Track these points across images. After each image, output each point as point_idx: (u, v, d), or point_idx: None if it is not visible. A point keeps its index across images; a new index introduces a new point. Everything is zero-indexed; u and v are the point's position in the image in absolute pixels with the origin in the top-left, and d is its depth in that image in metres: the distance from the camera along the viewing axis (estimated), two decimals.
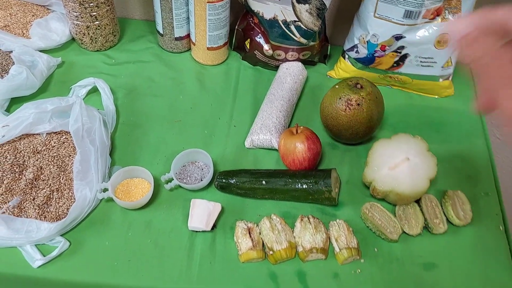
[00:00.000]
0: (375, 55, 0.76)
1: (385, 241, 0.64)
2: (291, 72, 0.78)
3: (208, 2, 0.73)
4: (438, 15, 0.71)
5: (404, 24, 0.71)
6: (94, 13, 0.78)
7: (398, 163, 0.65)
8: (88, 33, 0.80)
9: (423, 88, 0.80)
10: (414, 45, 0.73)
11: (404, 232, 0.65)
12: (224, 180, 0.66)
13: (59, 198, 0.63)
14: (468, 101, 0.82)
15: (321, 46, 0.82)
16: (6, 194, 0.62)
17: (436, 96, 0.82)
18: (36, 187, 0.63)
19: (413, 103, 0.81)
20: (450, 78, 0.79)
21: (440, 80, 0.78)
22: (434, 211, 0.66)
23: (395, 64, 0.76)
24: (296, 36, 0.76)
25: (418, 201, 0.67)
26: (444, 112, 0.81)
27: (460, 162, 0.74)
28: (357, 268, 0.62)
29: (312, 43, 0.78)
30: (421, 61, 0.75)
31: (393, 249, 0.64)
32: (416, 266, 0.62)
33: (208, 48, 0.80)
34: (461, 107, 0.82)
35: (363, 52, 0.76)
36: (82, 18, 0.78)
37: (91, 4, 0.76)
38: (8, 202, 0.61)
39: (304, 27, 0.75)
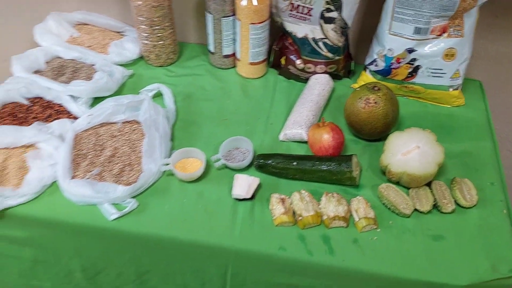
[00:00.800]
0: (391, 67, 0.90)
1: (399, 216, 0.75)
2: (319, 82, 0.93)
3: (251, 24, 0.90)
4: (444, 32, 0.85)
5: (414, 39, 0.85)
6: (160, 35, 0.96)
7: (410, 150, 0.77)
8: (154, 51, 0.99)
9: (436, 98, 0.93)
10: (424, 58, 0.87)
11: (416, 209, 0.76)
12: (262, 161, 0.80)
13: (130, 170, 0.78)
14: (478, 111, 0.94)
15: (345, 62, 0.97)
16: (89, 165, 0.78)
17: (448, 106, 0.94)
18: (112, 162, 0.79)
19: (427, 110, 0.94)
20: (459, 89, 0.92)
21: (450, 89, 0.91)
22: (443, 193, 0.77)
23: (409, 75, 0.90)
24: (323, 51, 0.92)
25: (429, 185, 0.78)
26: (455, 119, 0.93)
27: (468, 157, 0.85)
28: (374, 236, 0.73)
29: (337, 57, 0.93)
30: (431, 72, 0.89)
31: (406, 223, 0.75)
32: (426, 237, 0.73)
33: (250, 63, 0.97)
34: (471, 115, 0.93)
35: (381, 65, 0.91)
36: (150, 38, 0.96)
37: (158, 27, 0.95)
38: (91, 171, 0.77)
39: (330, 43, 0.90)
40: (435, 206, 0.76)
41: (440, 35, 0.85)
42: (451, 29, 0.85)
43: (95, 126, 0.84)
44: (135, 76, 0.99)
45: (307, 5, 0.87)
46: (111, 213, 0.73)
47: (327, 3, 0.85)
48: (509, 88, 1.04)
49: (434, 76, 0.89)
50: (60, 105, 0.88)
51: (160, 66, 1.02)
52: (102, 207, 0.74)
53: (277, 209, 0.74)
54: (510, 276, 0.69)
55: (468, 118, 0.93)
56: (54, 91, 0.89)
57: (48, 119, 0.86)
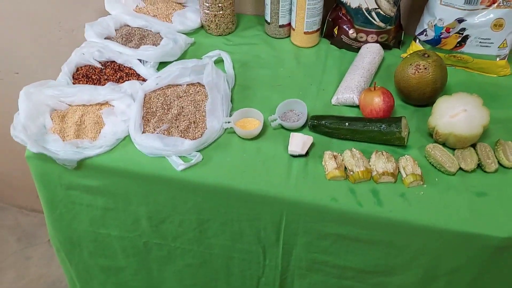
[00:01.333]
0: (441, 36, 0.94)
1: (444, 174, 0.80)
2: (371, 50, 0.98)
3: None
4: (494, 3, 0.88)
5: (465, 9, 0.89)
6: (221, 5, 1.03)
7: (457, 113, 0.81)
8: (214, 21, 1.06)
9: (483, 67, 0.97)
10: (474, 28, 0.91)
11: (460, 168, 0.81)
12: (315, 121, 0.86)
13: (195, 127, 0.86)
14: None
15: (396, 32, 1.01)
16: (158, 122, 0.87)
17: (495, 75, 0.98)
18: (179, 119, 0.87)
19: (474, 80, 0.98)
20: (506, 58, 0.95)
21: (497, 59, 0.94)
22: (487, 154, 0.81)
23: (458, 44, 0.94)
24: (376, 21, 0.96)
25: (473, 146, 0.83)
26: (501, 87, 0.96)
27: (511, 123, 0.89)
28: (420, 191, 0.78)
29: (389, 27, 0.98)
30: (480, 42, 0.92)
31: (451, 180, 0.80)
32: (470, 193, 0.78)
33: (304, 33, 1.02)
34: None
35: (431, 34, 0.95)
36: (211, 8, 1.03)
37: None
38: (160, 127, 0.86)
39: (383, 13, 0.95)
40: (479, 166, 0.81)
41: (490, 5, 0.89)
42: (501, 0, 0.88)
43: (162, 87, 0.92)
44: (196, 44, 1.07)
45: None
46: (179, 164, 0.81)
47: None
48: None
49: (482, 46, 0.93)
50: (130, 68, 0.97)
51: (219, 35, 1.09)
52: (170, 159, 0.82)
53: (329, 164, 0.80)
54: None
55: None
56: (125, 55, 0.97)
57: (119, 80, 0.95)
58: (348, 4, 0.97)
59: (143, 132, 0.85)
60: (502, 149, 0.82)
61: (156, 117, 0.87)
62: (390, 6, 0.94)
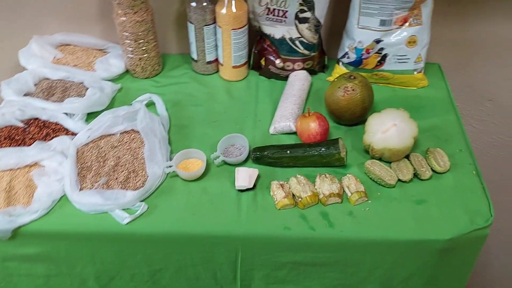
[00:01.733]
0: (362, 57, 0.99)
1: (385, 187, 0.84)
2: (299, 78, 1.01)
3: (232, 30, 0.97)
4: (405, 22, 0.95)
5: (381, 31, 0.95)
6: (145, 48, 1.02)
7: (388, 128, 0.85)
8: (140, 64, 1.04)
9: (403, 82, 1.03)
10: (390, 46, 0.97)
11: (399, 179, 0.84)
12: (258, 153, 0.86)
13: (135, 176, 0.83)
14: (440, 90, 1.05)
15: (320, 57, 1.05)
16: (95, 176, 0.83)
17: (414, 88, 1.04)
18: (117, 170, 0.84)
19: (396, 94, 1.03)
20: (422, 71, 1.02)
21: (415, 73, 1.01)
22: (420, 163, 0.86)
23: (378, 63, 0.99)
24: (300, 49, 1.00)
25: (407, 158, 0.87)
26: (422, 99, 1.02)
27: (437, 131, 0.94)
28: (366, 207, 0.81)
29: (313, 54, 1.02)
30: (397, 59, 0.98)
31: (392, 192, 0.83)
32: (410, 202, 0.82)
33: (233, 67, 1.04)
34: (434, 94, 1.04)
35: (353, 57, 1.00)
36: (135, 52, 1.02)
37: (142, 41, 1.01)
38: (98, 181, 0.82)
39: (306, 41, 0.99)
40: (415, 175, 0.85)
41: (402, 25, 0.95)
42: (411, 18, 0.94)
43: (95, 139, 0.89)
44: (124, 90, 1.04)
45: (282, 8, 0.95)
46: (124, 218, 0.78)
47: (301, 4, 0.94)
48: (465, 69, 1.15)
49: (400, 62, 0.99)
50: (56, 124, 0.92)
51: (146, 78, 1.07)
52: (113, 214, 0.79)
53: (278, 194, 0.81)
54: (485, 227, 0.79)
55: (432, 97, 1.03)
56: (49, 110, 0.93)
57: (46, 138, 0.90)
58: (272, 35, 1.00)
59: (81, 189, 0.81)
60: (433, 157, 0.87)
61: (92, 171, 0.84)
62: (312, 34, 0.98)
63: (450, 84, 1.07)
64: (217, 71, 1.09)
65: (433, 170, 0.86)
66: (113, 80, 1.05)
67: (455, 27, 1.07)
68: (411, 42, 0.96)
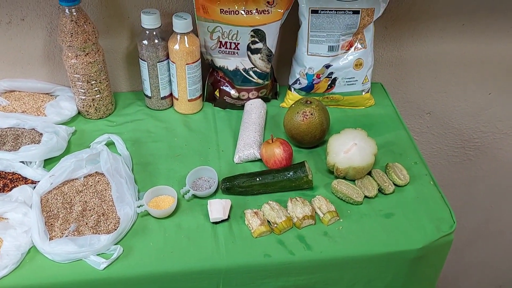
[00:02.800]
0: (313, 82, 1.04)
1: (353, 205, 0.87)
2: (255, 106, 1.04)
3: (186, 64, 0.98)
4: (351, 46, 1.01)
5: (330, 56, 1.00)
6: (97, 88, 1.00)
7: (349, 148, 0.90)
8: (93, 105, 1.02)
9: (352, 102, 1.09)
10: (339, 70, 1.02)
11: (365, 196, 0.89)
12: (228, 183, 0.87)
13: (106, 220, 0.81)
14: (386, 107, 1.11)
15: (272, 85, 1.09)
16: (64, 224, 0.79)
17: (363, 107, 1.10)
18: (86, 215, 0.81)
19: (347, 114, 1.09)
20: (369, 91, 1.08)
21: (363, 93, 1.07)
22: (382, 178, 0.91)
23: (329, 87, 1.04)
24: (254, 79, 1.03)
25: (370, 174, 0.92)
26: (371, 117, 1.08)
27: (391, 146, 1.00)
28: (339, 226, 0.84)
29: (266, 82, 1.05)
30: (346, 81, 1.04)
31: (361, 209, 0.87)
32: (379, 216, 0.86)
33: (188, 100, 1.04)
34: (382, 111, 1.10)
35: (304, 82, 1.04)
36: (88, 93, 1.00)
37: (95, 81, 0.99)
38: (68, 228, 0.79)
39: (259, 71, 1.02)
40: (379, 190, 0.90)
41: (348, 49, 1.01)
42: (356, 43, 1.01)
43: (58, 185, 0.85)
44: (78, 132, 1.01)
45: (234, 41, 0.98)
46: (100, 263, 0.75)
47: (252, 36, 0.97)
48: (403, 86, 1.24)
49: (349, 84, 1.05)
50: (13, 173, 0.88)
51: (100, 119, 1.05)
52: (88, 260, 0.76)
53: (253, 222, 0.82)
54: (450, 233, 0.84)
55: (381, 115, 1.10)
56: (4, 160, 0.88)
57: (4, 189, 0.85)
58: (225, 67, 1.02)
59: (50, 238, 0.77)
60: (393, 171, 0.92)
61: (60, 218, 0.80)
62: (265, 64, 1.01)
63: (393, 100, 1.15)
64: (172, 106, 1.09)
65: (395, 184, 0.91)
66: (66, 123, 1.02)
67: (391, 48, 1.15)
68: (358, 64, 1.03)
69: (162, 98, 1.06)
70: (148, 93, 1.05)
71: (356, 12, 0.97)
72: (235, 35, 0.98)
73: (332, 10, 0.96)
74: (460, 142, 1.38)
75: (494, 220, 1.62)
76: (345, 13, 0.96)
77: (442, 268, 0.91)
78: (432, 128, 1.33)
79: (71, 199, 0.83)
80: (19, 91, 1.07)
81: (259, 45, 0.99)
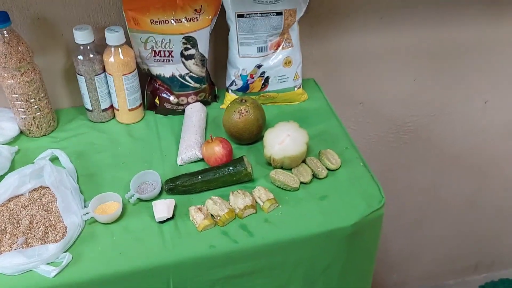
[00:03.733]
0: (248, 83, 1.09)
1: (290, 191, 0.93)
2: (195, 110, 1.08)
3: (123, 75, 1.02)
4: (279, 46, 1.08)
5: (260, 56, 1.06)
6: (37, 106, 1.02)
7: (283, 139, 0.96)
8: (35, 123, 1.04)
9: (287, 99, 1.15)
10: (270, 69, 1.09)
11: (301, 182, 0.95)
12: (171, 184, 0.91)
13: (54, 230, 0.84)
14: (319, 100, 1.19)
15: (210, 89, 1.14)
16: (12, 238, 0.82)
17: (297, 102, 1.17)
18: (33, 228, 0.84)
19: (283, 110, 1.15)
20: (301, 87, 1.15)
21: (295, 89, 1.14)
22: (316, 164, 0.97)
23: (263, 85, 1.11)
24: (191, 83, 1.08)
25: (304, 162, 0.98)
26: (305, 111, 1.15)
27: (323, 135, 1.07)
28: (279, 212, 0.89)
29: (203, 86, 1.10)
30: (278, 79, 1.11)
31: (297, 194, 0.93)
32: (315, 199, 0.92)
33: (129, 110, 1.08)
34: (315, 105, 1.17)
35: (239, 83, 1.10)
36: (28, 111, 1.02)
37: (34, 100, 1.01)
38: (16, 242, 0.81)
39: (195, 75, 1.07)
40: (314, 176, 0.96)
41: (277, 49, 1.08)
42: (283, 42, 1.08)
43: (3, 203, 0.87)
44: (22, 151, 1.03)
45: (167, 49, 1.02)
46: (50, 271, 0.77)
47: (184, 43, 1.02)
48: (335, 80, 1.31)
49: (281, 82, 1.11)
50: None
51: (42, 136, 1.07)
52: (39, 270, 0.78)
53: (197, 218, 0.86)
54: (380, 207, 0.91)
55: (314, 108, 1.16)
56: None
57: None
58: (162, 75, 1.07)
59: (0, 253, 0.79)
60: (325, 157, 0.99)
61: (8, 233, 0.82)
62: (200, 68, 1.07)
63: (326, 94, 1.22)
64: (114, 117, 1.12)
65: (328, 169, 0.98)
66: (9, 143, 1.04)
67: (319, 45, 1.23)
68: (287, 62, 1.09)
69: (103, 111, 1.09)
70: (89, 106, 1.08)
71: (279, 13, 1.04)
72: (168, 44, 1.03)
73: (256, 13, 1.03)
74: (394, 128, 1.47)
75: (437, 199, 1.73)
76: (269, 15, 1.03)
77: (379, 241, 0.99)
78: (366, 117, 1.41)
79: (18, 214, 0.86)
80: None
81: (192, 51, 1.04)
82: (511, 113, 1.54)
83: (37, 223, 0.84)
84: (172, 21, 1.01)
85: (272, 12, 1.03)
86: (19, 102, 1.00)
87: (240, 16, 1.03)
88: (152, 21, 1.00)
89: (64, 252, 0.81)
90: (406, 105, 1.42)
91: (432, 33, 1.29)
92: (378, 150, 1.51)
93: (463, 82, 1.42)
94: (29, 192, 0.90)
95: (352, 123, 1.41)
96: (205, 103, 1.14)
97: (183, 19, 1.01)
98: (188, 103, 1.11)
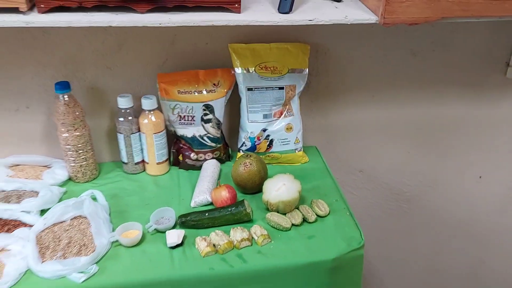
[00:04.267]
0: (255, 144, 1.32)
1: (283, 231, 1.11)
2: (210, 164, 1.30)
3: (154, 133, 1.27)
4: (281, 114, 1.31)
5: (265, 122, 1.29)
6: (84, 156, 1.27)
7: (279, 187, 1.15)
8: (81, 170, 1.28)
9: (289, 159, 1.36)
10: (274, 133, 1.31)
11: (293, 224, 1.12)
12: (183, 219, 1.11)
13: (86, 248, 1.04)
14: (318, 163, 1.38)
15: (225, 149, 1.37)
16: (53, 252, 1.02)
17: (299, 163, 1.37)
18: (70, 246, 1.04)
19: (286, 169, 1.35)
20: (302, 150, 1.36)
21: (296, 151, 1.35)
22: (307, 211, 1.15)
23: (268, 147, 1.32)
24: (208, 143, 1.31)
25: (298, 208, 1.16)
26: (305, 170, 1.35)
27: (318, 189, 1.25)
28: (271, 246, 1.06)
29: (219, 145, 1.33)
30: (281, 142, 1.32)
31: (289, 233, 1.10)
32: (303, 238, 1.08)
33: (157, 163, 1.31)
34: (315, 166, 1.37)
35: (248, 144, 1.32)
36: (77, 160, 1.27)
37: (82, 151, 1.26)
38: (56, 255, 1.01)
39: (212, 136, 1.31)
40: (304, 219, 1.13)
41: (280, 117, 1.31)
42: (285, 112, 1.31)
43: (49, 226, 1.09)
44: (68, 193, 1.26)
45: (190, 114, 1.28)
46: (80, 277, 0.96)
47: (204, 109, 1.27)
48: (336, 148, 1.51)
49: (284, 144, 1.33)
50: (15, 221, 1.12)
51: (86, 182, 1.31)
52: (71, 276, 0.97)
53: (201, 245, 1.04)
54: (359, 248, 1.06)
55: (313, 169, 1.36)
56: (9, 210, 1.12)
57: (8, 230, 1.08)
58: (185, 135, 1.31)
59: (42, 262, 0.99)
60: (316, 205, 1.16)
61: (50, 249, 1.03)
62: (215, 130, 1.30)
63: (329, 161, 1.42)
64: (144, 170, 1.35)
65: (317, 215, 1.15)
66: (59, 185, 1.28)
67: (319, 117, 1.45)
68: (289, 128, 1.32)
69: (136, 164, 1.33)
70: (125, 160, 1.32)
71: (281, 88, 1.28)
72: (191, 110, 1.28)
73: (263, 88, 1.27)
74: (393, 196, 1.62)
75: (437, 269, 1.80)
76: (273, 89, 1.28)
77: (361, 282, 1.12)
78: (366, 184, 1.58)
79: (59, 236, 1.07)
80: (23, 165, 1.34)
81: (210, 116, 1.29)
82: (505, 187, 1.67)
83: (74, 242, 1.05)
84: (195, 92, 1.27)
85: (275, 87, 1.28)
86: (71, 152, 1.26)
87: (249, 89, 1.28)
88: (179, 91, 1.26)
89: (92, 264, 1.00)
90: (402, 175, 1.59)
91: (420, 110, 1.49)
92: (378, 217, 1.66)
93: (456, 156, 1.59)
94: (70, 219, 1.11)
95: (353, 189, 1.58)
96: (220, 160, 1.36)
97: (204, 91, 1.27)
98: (205, 160, 1.33)
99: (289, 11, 1.07)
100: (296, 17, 1.04)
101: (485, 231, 1.74)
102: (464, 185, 1.64)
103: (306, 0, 1.16)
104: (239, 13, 1.05)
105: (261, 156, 1.32)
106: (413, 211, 1.66)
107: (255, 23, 1.04)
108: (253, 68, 1.26)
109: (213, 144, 1.33)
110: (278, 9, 1.07)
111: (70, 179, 1.32)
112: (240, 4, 1.04)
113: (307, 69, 1.29)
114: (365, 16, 1.03)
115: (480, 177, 1.63)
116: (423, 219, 1.68)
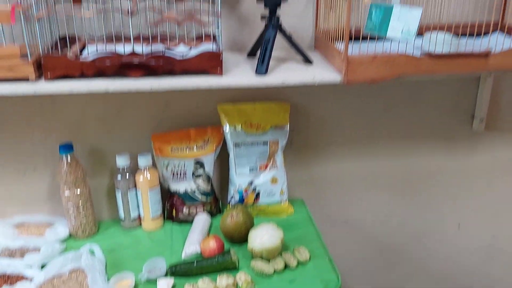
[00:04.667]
0: (243, 196, 1.41)
1: (266, 277, 1.17)
2: (201, 218, 1.39)
3: (149, 188, 1.37)
4: (267, 167, 1.41)
5: (252, 175, 1.39)
6: (84, 211, 1.37)
7: (263, 236, 1.23)
8: (81, 227, 1.38)
9: (275, 211, 1.44)
10: (260, 185, 1.40)
11: (275, 270, 1.19)
12: (173, 268, 1.19)
13: None
14: (303, 214, 1.46)
15: (215, 203, 1.46)
16: None
17: (284, 215, 1.45)
18: None
19: (272, 220, 1.43)
20: (287, 202, 1.45)
21: (282, 203, 1.44)
22: (289, 257, 1.22)
23: (255, 198, 1.41)
24: (199, 197, 1.41)
25: (280, 255, 1.23)
26: (289, 220, 1.42)
27: (301, 238, 1.33)
28: None
29: (209, 199, 1.42)
30: (267, 194, 1.41)
31: (272, 278, 1.17)
32: (285, 282, 1.16)
33: (151, 219, 1.40)
34: (299, 217, 1.44)
35: (237, 197, 1.41)
36: (77, 218, 1.37)
37: (82, 207, 1.37)
38: None
39: (202, 190, 1.40)
40: (286, 266, 1.21)
41: (265, 169, 1.41)
42: (270, 165, 1.41)
43: (49, 278, 1.17)
44: (68, 248, 1.35)
45: (182, 170, 1.38)
46: None
47: (195, 165, 1.38)
48: (320, 200, 1.59)
49: (269, 196, 1.42)
50: (17, 275, 1.20)
51: (85, 238, 1.40)
52: None
53: None
54: None
55: (298, 219, 1.44)
56: (13, 265, 1.21)
57: (11, 283, 1.17)
58: (178, 191, 1.41)
59: None
60: (298, 252, 1.24)
61: None
62: (206, 185, 1.40)
63: (314, 213, 1.50)
64: (140, 225, 1.44)
65: (298, 261, 1.22)
66: (60, 241, 1.37)
67: (304, 171, 1.55)
68: (274, 180, 1.41)
69: (132, 220, 1.42)
70: (122, 216, 1.42)
71: (265, 143, 1.39)
72: (183, 166, 1.39)
73: (248, 143, 1.39)
74: (378, 246, 1.68)
75: None
76: (257, 145, 1.39)
77: None
78: (352, 235, 1.65)
79: (58, 287, 1.15)
80: (28, 223, 1.44)
81: (200, 171, 1.39)
82: (488, 235, 1.72)
83: None
84: (187, 149, 1.38)
85: (260, 142, 1.39)
86: (72, 209, 1.36)
87: (236, 145, 1.39)
88: (172, 148, 1.38)
89: None
90: (386, 226, 1.65)
91: (398, 162, 1.58)
92: (363, 268, 1.70)
93: (436, 206, 1.65)
94: (69, 272, 1.19)
95: (338, 239, 1.64)
96: (211, 213, 1.45)
97: (195, 147, 1.38)
98: (197, 213, 1.42)
99: (265, 72, 1.18)
100: (270, 79, 1.16)
101: (476, 281, 1.76)
102: (446, 235, 1.69)
103: (283, 62, 1.29)
104: (221, 76, 1.17)
105: (249, 208, 1.41)
106: (400, 263, 1.70)
107: (234, 85, 1.16)
108: (240, 126, 1.38)
109: (204, 198, 1.42)
110: (256, 71, 1.20)
111: (70, 235, 1.41)
112: (222, 69, 1.17)
113: (288, 125, 1.41)
114: (331, 76, 1.16)
115: (459, 224, 1.69)
116: (411, 271, 1.72)
